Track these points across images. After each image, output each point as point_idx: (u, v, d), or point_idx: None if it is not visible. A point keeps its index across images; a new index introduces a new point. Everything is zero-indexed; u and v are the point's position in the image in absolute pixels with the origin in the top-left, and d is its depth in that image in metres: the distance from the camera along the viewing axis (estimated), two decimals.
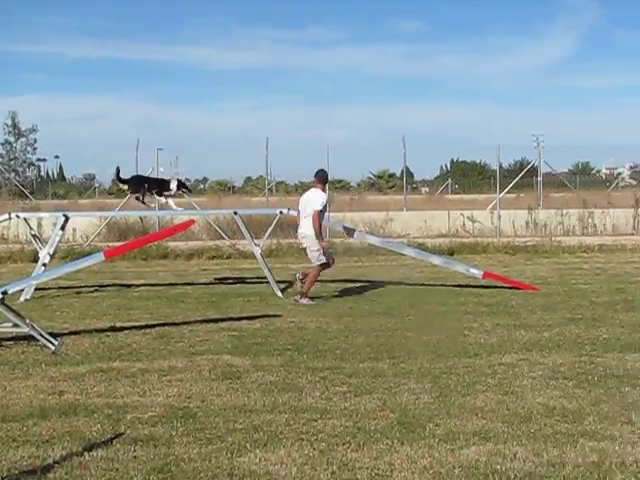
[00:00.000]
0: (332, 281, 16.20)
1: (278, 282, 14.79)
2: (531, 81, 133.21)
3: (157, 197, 15.78)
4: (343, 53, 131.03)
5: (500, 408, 6.78)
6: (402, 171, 29.34)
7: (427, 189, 58.84)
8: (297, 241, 23.05)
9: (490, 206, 28.19)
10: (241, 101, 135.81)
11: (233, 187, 55.00)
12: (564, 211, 27.00)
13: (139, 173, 19.15)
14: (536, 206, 28.31)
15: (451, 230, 26.37)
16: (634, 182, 55.15)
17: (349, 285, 15.65)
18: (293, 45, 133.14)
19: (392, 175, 66.62)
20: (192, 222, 12.75)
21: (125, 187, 15.91)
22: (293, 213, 14.95)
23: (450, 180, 60.16)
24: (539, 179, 30.89)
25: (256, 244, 15.18)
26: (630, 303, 12.80)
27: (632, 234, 26.21)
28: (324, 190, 13.55)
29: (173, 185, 15.64)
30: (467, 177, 69.71)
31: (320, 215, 13.30)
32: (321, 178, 13.66)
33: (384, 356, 8.92)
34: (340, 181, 56.32)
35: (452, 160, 77.65)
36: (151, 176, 18.16)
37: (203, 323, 11.29)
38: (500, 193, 27.40)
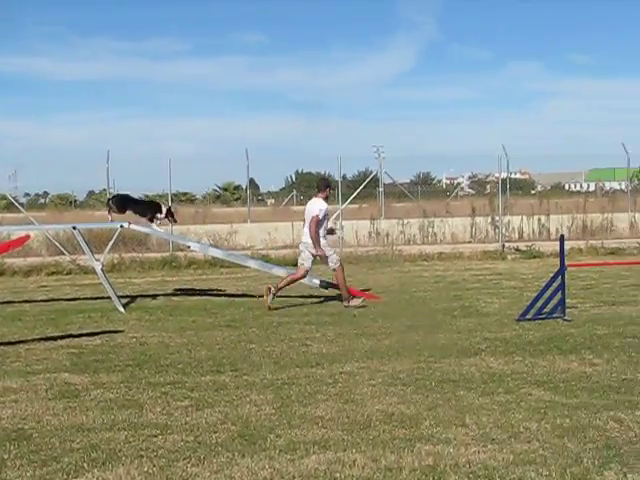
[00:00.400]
0: (174, 295, 16.06)
1: (123, 297, 14.52)
2: (373, 93, 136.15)
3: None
4: (186, 65, 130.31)
5: (340, 416, 6.86)
6: (246, 183, 29.32)
7: (273, 201, 59.11)
8: (140, 255, 22.77)
9: (333, 217, 28.56)
10: (82, 113, 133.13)
11: (75, 201, 53.70)
12: (405, 221, 27.65)
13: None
14: (378, 216, 28.88)
15: (295, 241, 26.56)
16: (473, 191, 57.02)
17: (194, 298, 15.53)
18: (135, 57, 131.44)
19: (237, 187, 66.51)
20: (27, 237, 12.40)
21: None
22: (134, 227, 14.74)
23: (295, 191, 60.62)
24: (380, 189, 31.53)
25: (96, 259, 14.86)
26: (467, 309, 13.21)
27: (469, 242, 27.09)
28: (325, 199, 13.82)
29: (164, 210, 15.15)
30: (312, 188, 70.21)
31: (319, 223, 13.54)
32: (320, 187, 13.98)
33: (226, 369, 8.89)
34: (185, 194, 55.82)
35: (297, 171, 78.27)
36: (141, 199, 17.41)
37: (41, 341, 10.96)
38: (343, 204, 27.79)
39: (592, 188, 47.92)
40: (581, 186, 61.20)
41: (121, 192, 18.56)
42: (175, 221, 16.08)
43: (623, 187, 33.82)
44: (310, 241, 13.69)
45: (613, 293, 14.81)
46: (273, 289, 13.61)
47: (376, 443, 6.10)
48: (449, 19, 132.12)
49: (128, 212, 15.05)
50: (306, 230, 13.77)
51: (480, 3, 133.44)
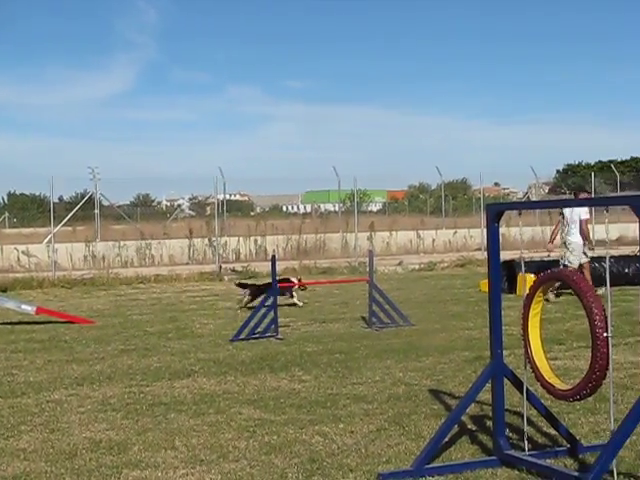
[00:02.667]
0: None
1: None
2: (90, 113, 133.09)
3: None
4: None
5: (45, 447, 6.58)
6: None
7: None
8: None
9: (46, 239, 27.62)
10: None
11: None
12: (122, 243, 27.22)
13: None
14: (94, 238, 28.22)
15: (5, 265, 25.41)
16: (193, 213, 57.03)
17: None
18: None
19: None
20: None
21: None
22: None
23: (7, 213, 57.96)
24: (96, 211, 30.85)
25: None
26: (182, 331, 13.17)
27: (187, 264, 27.10)
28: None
29: None
30: (26, 210, 67.56)
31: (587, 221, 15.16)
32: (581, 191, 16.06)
33: None
34: None
35: (9, 192, 74.89)
36: None
37: None
38: (56, 226, 26.92)
39: (308, 209, 49.62)
40: (298, 207, 63.29)
41: None
42: None
43: (336, 208, 35.25)
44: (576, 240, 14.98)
45: (324, 311, 15.33)
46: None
47: (82, 472, 5.90)
48: (169, 41, 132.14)
49: None
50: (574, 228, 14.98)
51: (199, 28, 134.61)
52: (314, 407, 7.68)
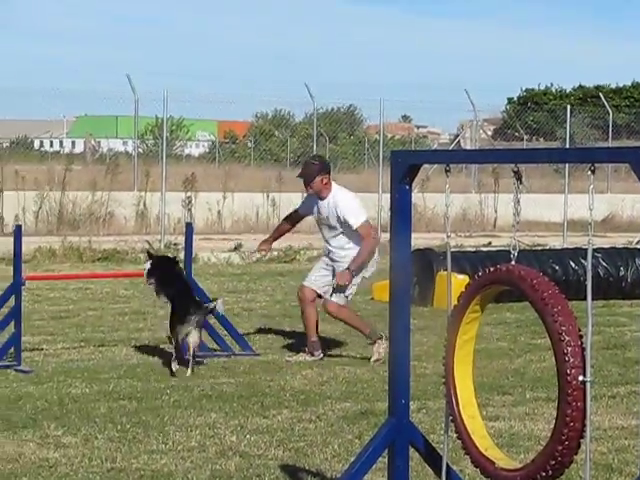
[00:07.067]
0: None
1: None
2: None
3: None
4: None
5: None
6: None
7: None
8: None
9: None
10: None
11: None
12: None
13: None
14: None
15: None
16: None
17: None
18: None
19: None
20: None
21: None
22: None
23: None
24: None
25: None
26: None
27: None
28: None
29: None
30: None
31: None
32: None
33: None
34: None
35: None
36: None
37: None
38: None
39: (80, 148, 35.46)
40: (62, 144, 41.48)
41: None
42: None
43: (129, 149, 26.30)
44: None
45: (103, 325, 10.15)
46: None
47: None
48: None
49: None
50: None
51: None
52: None
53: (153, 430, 6.20)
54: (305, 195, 8.90)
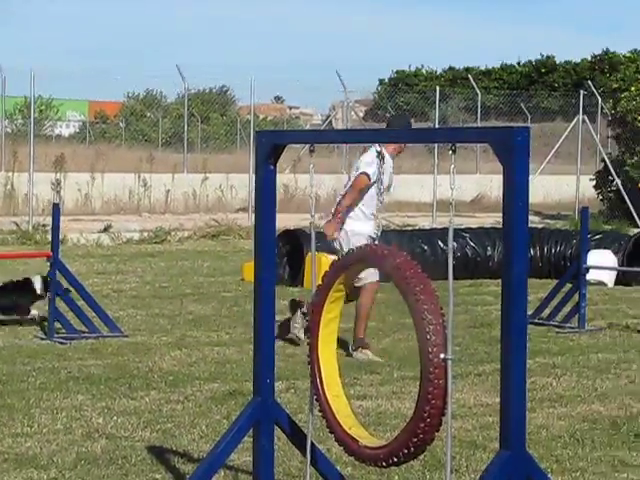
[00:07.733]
0: None
1: None
2: None
3: None
4: None
5: None
6: None
7: None
8: None
9: None
10: None
11: None
12: None
13: None
14: None
15: None
16: None
17: None
18: None
19: None
20: None
21: None
22: None
23: None
24: None
25: None
26: None
27: None
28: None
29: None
30: None
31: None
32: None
33: None
34: None
35: None
36: None
37: None
38: None
39: None
40: None
41: None
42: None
43: None
44: None
45: None
46: None
47: None
48: None
49: None
50: None
51: None
52: None
53: (18, 413, 5.98)
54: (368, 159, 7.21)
